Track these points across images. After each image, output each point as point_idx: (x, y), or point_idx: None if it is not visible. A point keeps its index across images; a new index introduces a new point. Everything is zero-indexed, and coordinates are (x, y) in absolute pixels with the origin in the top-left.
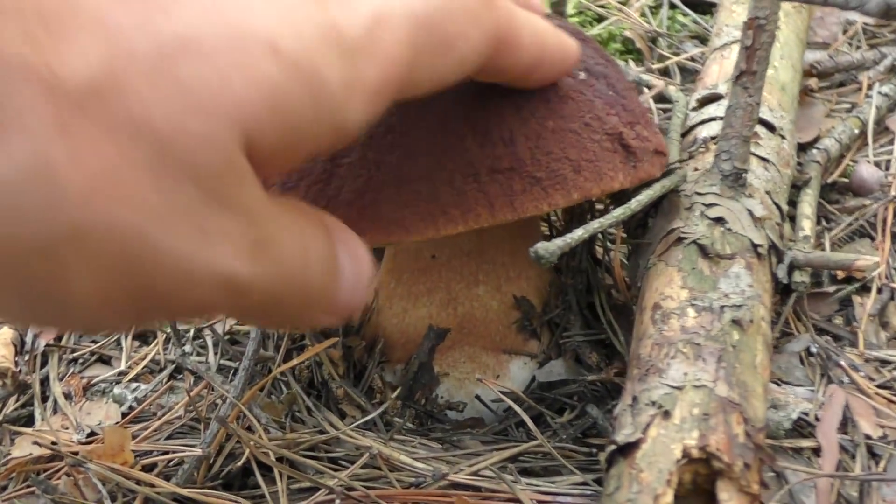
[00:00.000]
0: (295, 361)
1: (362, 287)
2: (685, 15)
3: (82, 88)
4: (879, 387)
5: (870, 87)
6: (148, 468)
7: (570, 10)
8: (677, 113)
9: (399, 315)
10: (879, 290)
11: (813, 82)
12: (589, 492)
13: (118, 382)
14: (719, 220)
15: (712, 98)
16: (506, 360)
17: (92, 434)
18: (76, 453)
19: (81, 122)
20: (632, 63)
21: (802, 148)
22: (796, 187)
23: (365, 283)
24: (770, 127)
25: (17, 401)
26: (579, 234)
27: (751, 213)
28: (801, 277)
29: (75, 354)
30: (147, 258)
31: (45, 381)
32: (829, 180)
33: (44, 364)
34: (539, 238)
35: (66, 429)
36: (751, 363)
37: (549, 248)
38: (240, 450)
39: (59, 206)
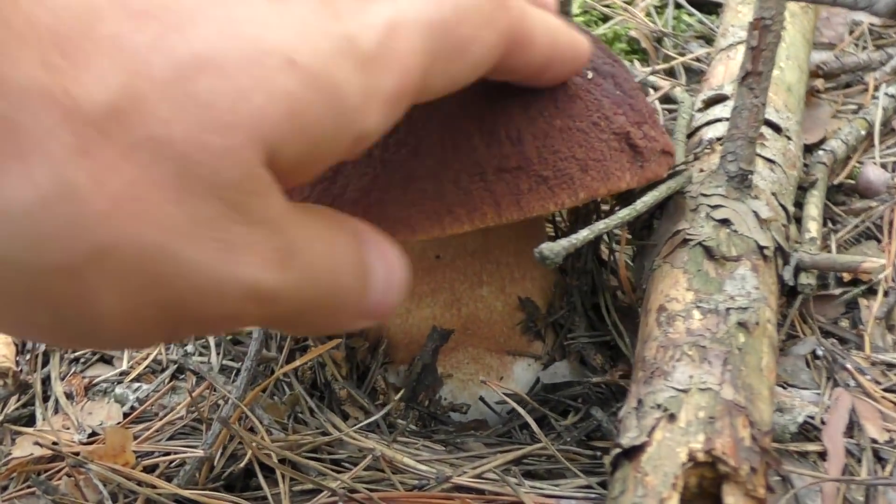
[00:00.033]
0: (298, 362)
1: (395, 289)
2: (691, 15)
3: (101, 111)
4: (886, 390)
5: (876, 89)
6: (149, 469)
7: (575, 9)
8: (683, 114)
9: (402, 315)
10: (886, 293)
11: (819, 83)
12: (593, 495)
13: (120, 382)
14: (725, 222)
15: (718, 99)
16: (510, 362)
17: (93, 434)
18: (77, 454)
19: (102, 144)
20: (637, 63)
21: (808, 149)
22: (802, 189)
23: (398, 285)
24: (776, 128)
25: (19, 400)
26: (584, 234)
27: (757, 214)
28: (807, 280)
29: (77, 354)
30: (173, 274)
31: (46, 381)
32: (836, 182)
33: (45, 363)
34: (544, 239)
35: (68, 429)
36: (757, 366)
37: (555, 248)
38: (242, 451)
39: (83, 227)
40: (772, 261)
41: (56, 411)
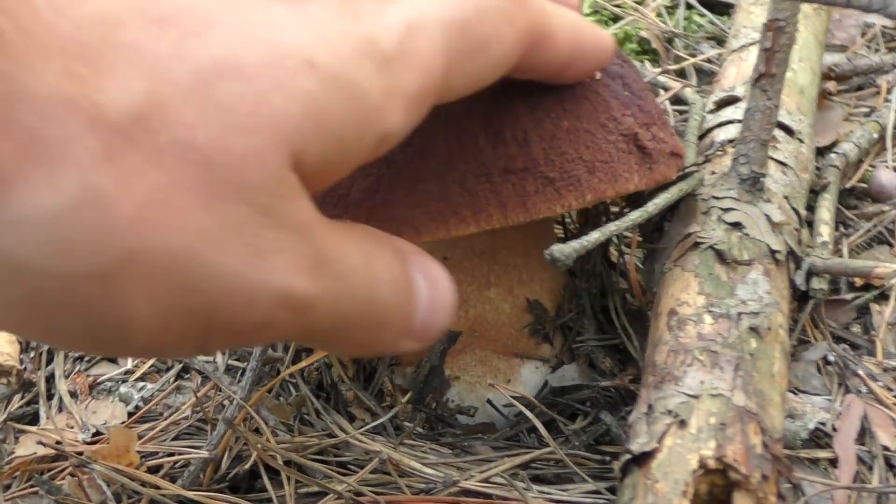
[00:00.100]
0: (304, 363)
1: (442, 310)
2: (702, 15)
3: (126, 118)
4: None
5: (888, 91)
6: (153, 469)
7: (585, 9)
8: (694, 115)
9: None
10: None
11: (831, 85)
12: (602, 500)
13: (124, 381)
14: (737, 225)
15: (730, 100)
16: (517, 364)
17: (97, 434)
18: (81, 453)
19: (127, 150)
20: (648, 64)
21: (820, 152)
22: (814, 192)
23: (446, 306)
24: (788, 130)
25: (22, 398)
26: (595, 236)
27: (769, 218)
28: (819, 284)
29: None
30: (203, 278)
31: (50, 379)
32: (848, 185)
33: (49, 361)
34: (553, 240)
35: (72, 428)
36: (768, 372)
37: (565, 250)
38: (247, 452)
39: (111, 233)
40: (784, 265)
41: (60, 410)
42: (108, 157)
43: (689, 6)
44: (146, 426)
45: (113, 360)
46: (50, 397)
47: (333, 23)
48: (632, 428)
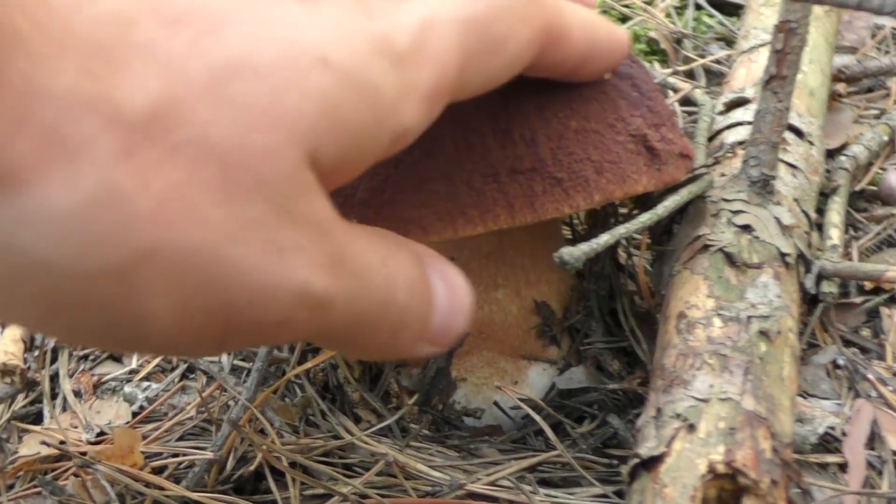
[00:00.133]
0: (310, 364)
1: (460, 314)
2: (711, 16)
3: (143, 115)
4: None
5: None
6: (158, 470)
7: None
8: (703, 117)
9: None
10: None
11: (841, 87)
12: None
13: (129, 381)
14: (746, 228)
15: (739, 102)
16: (524, 366)
17: (101, 434)
18: (85, 453)
19: (144, 148)
20: (657, 64)
21: (830, 154)
22: (824, 195)
23: (464, 310)
24: (798, 133)
25: (26, 397)
26: (605, 239)
27: (779, 221)
28: (829, 288)
29: (86, 351)
30: (221, 275)
31: (54, 378)
32: (858, 188)
33: (53, 360)
34: (561, 241)
35: (75, 427)
36: (778, 376)
37: (574, 253)
38: (252, 453)
39: (130, 229)
40: (794, 268)
41: (64, 409)
42: (126, 154)
43: (698, 7)
44: (150, 426)
45: (117, 360)
46: (54, 397)
47: (347, 21)
48: (640, 432)
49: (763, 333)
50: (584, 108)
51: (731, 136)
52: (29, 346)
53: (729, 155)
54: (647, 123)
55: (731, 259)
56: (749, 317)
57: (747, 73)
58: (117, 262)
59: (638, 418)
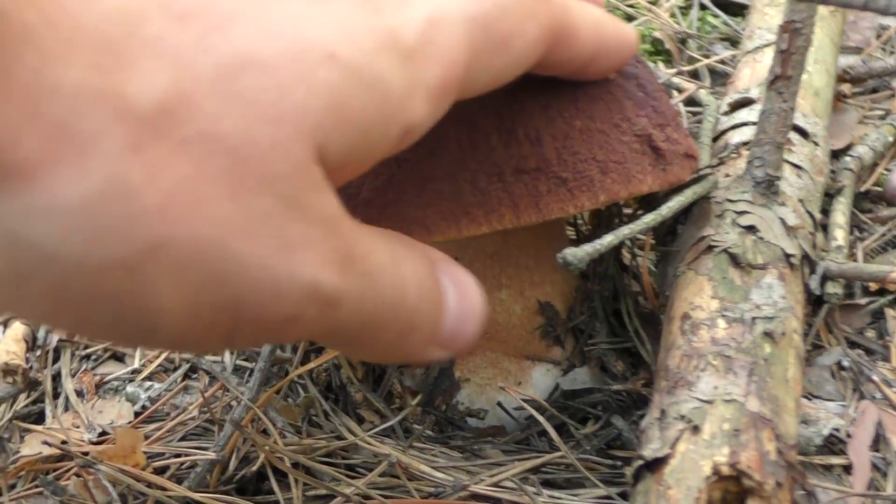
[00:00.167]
0: (313, 364)
1: (472, 319)
2: (716, 16)
3: (152, 110)
4: None
5: None
6: (160, 470)
7: None
8: (708, 117)
9: None
10: None
11: (846, 88)
12: None
13: (131, 381)
14: (751, 229)
15: (744, 102)
16: (528, 367)
17: (103, 433)
18: (86, 453)
19: (154, 141)
20: (661, 65)
21: (835, 155)
22: (829, 196)
23: (476, 315)
24: (803, 133)
25: (28, 397)
26: (609, 240)
27: (783, 221)
28: (833, 289)
29: (88, 351)
30: (230, 269)
31: (56, 378)
32: (862, 189)
33: (56, 360)
34: (565, 242)
35: (77, 427)
36: (782, 377)
37: (578, 254)
38: (254, 454)
39: (139, 222)
40: (798, 269)
41: (66, 409)
42: (135, 147)
43: (702, 7)
44: (153, 426)
45: (120, 359)
46: (56, 396)
47: (355, 16)
48: (644, 433)
49: (767, 335)
50: (589, 108)
51: (735, 137)
52: (31, 345)
53: (733, 155)
54: (652, 123)
55: (735, 260)
56: (753, 318)
57: (752, 74)
58: (126, 256)
59: (642, 419)
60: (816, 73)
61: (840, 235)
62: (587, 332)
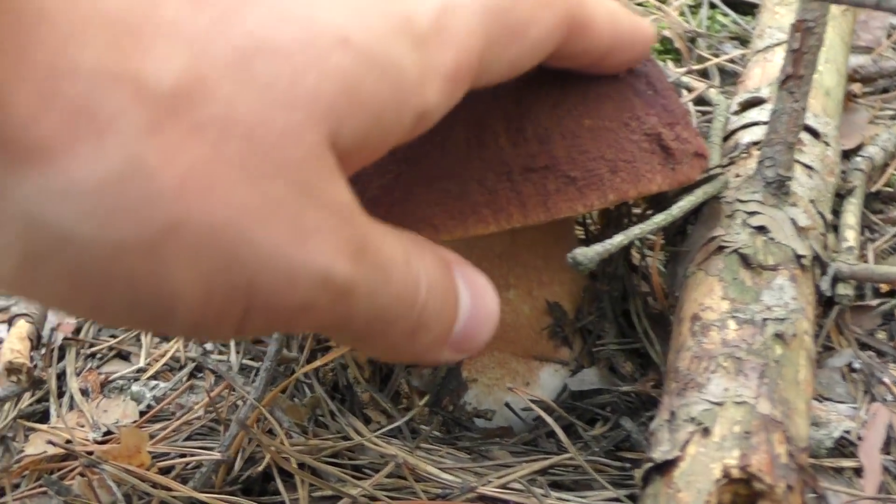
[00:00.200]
0: (319, 362)
1: (486, 322)
2: (725, 15)
3: (168, 91)
4: None
5: None
6: (165, 470)
7: None
8: (718, 116)
9: None
10: None
11: (856, 87)
12: None
13: (136, 380)
14: (762, 229)
15: (755, 102)
16: (536, 367)
17: (108, 433)
18: (91, 453)
19: (170, 123)
20: (670, 63)
21: (845, 155)
22: (839, 196)
23: (490, 319)
24: (814, 133)
25: (33, 395)
26: (619, 240)
27: (794, 222)
28: (844, 290)
29: (93, 349)
30: (244, 254)
31: (61, 376)
32: (873, 189)
33: (61, 358)
34: (574, 242)
35: (82, 426)
36: (793, 379)
37: (588, 254)
38: (260, 454)
39: (155, 203)
40: (809, 270)
41: (71, 408)
42: (152, 129)
43: (712, 5)
44: (158, 426)
45: (125, 358)
46: (61, 395)
47: (368, 1)
48: (653, 435)
49: (778, 336)
50: (598, 106)
51: (746, 137)
52: (36, 343)
53: (744, 155)
54: (661, 122)
55: (746, 261)
56: (764, 319)
57: (762, 73)
58: (143, 237)
59: (651, 421)
60: (827, 73)
61: (851, 236)
62: (596, 332)
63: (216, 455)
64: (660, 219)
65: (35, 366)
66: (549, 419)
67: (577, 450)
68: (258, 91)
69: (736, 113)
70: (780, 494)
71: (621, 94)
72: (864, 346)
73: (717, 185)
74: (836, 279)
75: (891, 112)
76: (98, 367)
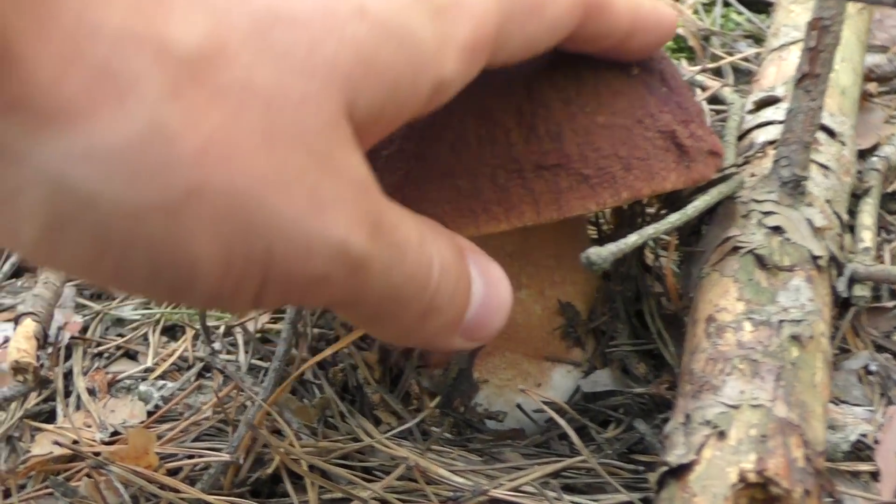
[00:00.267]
0: (323, 355)
1: (498, 310)
2: (739, 13)
3: (190, 55)
4: None
5: None
6: (173, 472)
7: None
8: (733, 115)
9: None
10: None
11: (871, 87)
12: None
13: (144, 379)
14: (777, 230)
15: (770, 101)
16: (548, 368)
17: (115, 433)
18: (98, 454)
19: (192, 87)
20: (684, 62)
21: (861, 155)
22: (855, 196)
23: (502, 308)
24: (830, 132)
25: (39, 395)
26: (633, 239)
27: (810, 222)
28: (861, 291)
29: (100, 349)
30: (263, 222)
31: (68, 376)
32: (889, 190)
33: (68, 357)
34: (586, 241)
35: (89, 426)
36: (810, 382)
37: (602, 253)
38: (269, 455)
39: (176, 166)
40: (825, 271)
41: (77, 408)
42: (175, 92)
43: (726, 3)
44: (166, 426)
45: (132, 357)
46: (67, 395)
47: None
48: (668, 438)
49: (795, 338)
50: (611, 103)
51: (761, 136)
52: (42, 342)
53: (759, 154)
54: (676, 120)
55: (761, 261)
56: (780, 321)
57: (777, 72)
58: (164, 200)
59: (665, 423)
60: (843, 72)
61: (867, 237)
62: (608, 333)
63: (224, 456)
64: (674, 218)
65: (41, 365)
66: (561, 421)
67: (589, 452)
68: (276, 59)
69: (751, 112)
70: (797, 499)
71: (635, 91)
72: (880, 349)
73: (733, 184)
74: (853, 280)
75: None
76: (105, 366)
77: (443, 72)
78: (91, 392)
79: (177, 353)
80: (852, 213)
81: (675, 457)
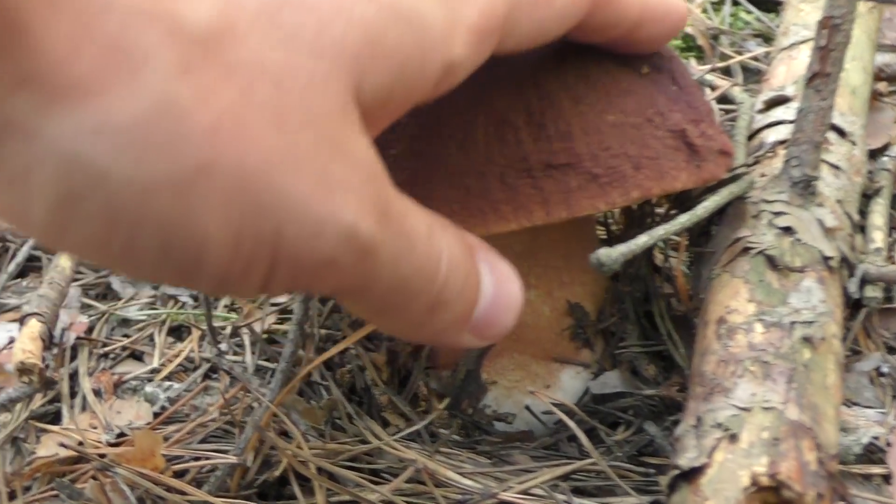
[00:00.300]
0: (330, 353)
1: (508, 308)
2: (748, 12)
3: (202, 31)
4: None
5: None
6: (179, 474)
7: None
8: (743, 115)
9: None
10: None
11: (882, 86)
12: None
13: (150, 380)
14: (788, 230)
15: (780, 100)
16: (557, 369)
17: (121, 435)
18: (104, 456)
19: (203, 64)
20: (693, 61)
21: (872, 155)
22: (866, 196)
23: (512, 305)
24: (841, 132)
25: (45, 396)
26: (643, 240)
27: (821, 223)
28: (873, 292)
29: (106, 349)
30: (272, 201)
31: (73, 377)
32: None
33: (73, 358)
34: (595, 242)
35: (95, 428)
36: (822, 384)
37: (612, 254)
38: (276, 457)
39: (187, 142)
40: (837, 272)
41: (83, 409)
42: (186, 68)
43: (735, 2)
44: (172, 428)
45: (138, 358)
46: (73, 396)
47: None
48: (679, 441)
49: (807, 340)
50: (621, 102)
51: (771, 136)
52: (48, 343)
53: (769, 154)
54: (686, 119)
55: (772, 262)
56: (792, 322)
57: (787, 71)
58: (174, 176)
59: (675, 425)
60: (854, 71)
61: (878, 237)
62: (618, 334)
63: (231, 458)
64: (684, 219)
65: (47, 366)
66: (570, 423)
67: (599, 454)
68: (285, 40)
69: (761, 111)
70: (809, 502)
71: (645, 89)
72: (892, 350)
73: (743, 184)
74: (864, 281)
75: None
76: (111, 367)
77: (451, 55)
78: (97, 393)
79: (183, 354)
80: (863, 213)
81: (686, 460)
